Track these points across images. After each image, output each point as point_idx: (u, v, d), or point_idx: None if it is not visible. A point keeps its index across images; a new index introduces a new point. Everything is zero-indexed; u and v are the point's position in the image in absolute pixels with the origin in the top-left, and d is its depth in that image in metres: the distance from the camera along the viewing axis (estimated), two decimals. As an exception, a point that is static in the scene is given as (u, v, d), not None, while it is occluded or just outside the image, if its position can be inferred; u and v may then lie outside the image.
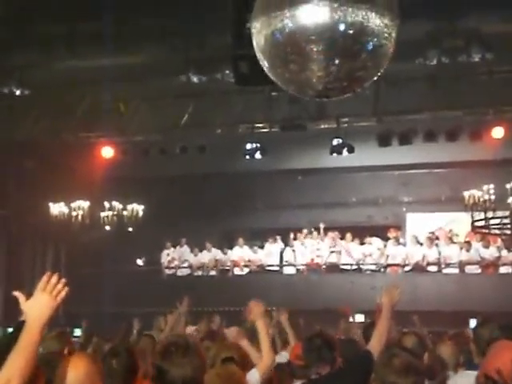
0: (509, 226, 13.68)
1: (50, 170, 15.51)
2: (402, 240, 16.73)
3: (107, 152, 15.02)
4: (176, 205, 17.01)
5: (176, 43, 11.51)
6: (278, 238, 17.42)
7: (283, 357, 6.21)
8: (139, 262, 18.43)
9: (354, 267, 16.71)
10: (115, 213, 15.63)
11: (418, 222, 17.56)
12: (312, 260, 16.82)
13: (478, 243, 15.86)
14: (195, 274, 17.74)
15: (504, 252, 15.68)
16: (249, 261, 17.34)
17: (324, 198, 17.43)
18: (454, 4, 10.14)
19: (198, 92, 13.18)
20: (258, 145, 14.27)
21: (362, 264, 16.60)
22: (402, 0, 3.75)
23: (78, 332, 14.34)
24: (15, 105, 13.22)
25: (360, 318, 12.56)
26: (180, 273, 17.85)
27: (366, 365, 3.84)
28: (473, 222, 13.59)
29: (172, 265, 17.82)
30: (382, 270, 16.48)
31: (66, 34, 11.25)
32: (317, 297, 15.30)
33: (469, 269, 15.95)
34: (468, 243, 15.97)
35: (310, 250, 16.92)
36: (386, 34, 3.53)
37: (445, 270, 16.07)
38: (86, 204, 15.38)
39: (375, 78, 3.89)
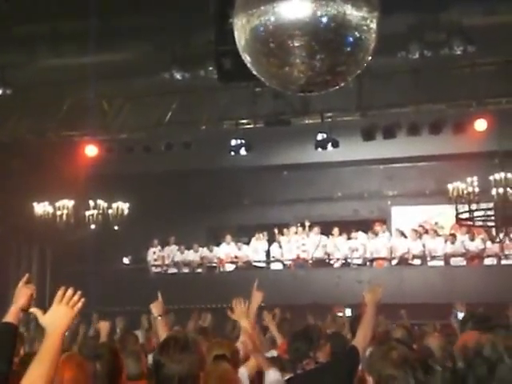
0: (493, 217, 13.80)
1: (33, 169, 15.40)
2: (387, 233, 16.81)
3: (91, 150, 14.95)
4: (162, 202, 16.99)
5: (159, 40, 11.49)
6: (264, 234, 17.46)
7: (273, 355, 6.22)
8: (125, 260, 18.38)
9: (341, 262, 16.80)
10: (100, 211, 15.55)
11: (403, 216, 17.66)
12: (298, 255, 16.87)
13: (462, 235, 15.99)
14: (182, 271, 17.73)
15: (489, 244, 15.80)
16: (235, 257, 17.36)
17: (309, 193, 17.47)
18: (436, -3, 10.21)
19: (181, 89, 13.15)
20: (243, 141, 14.28)
21: (349, 258, 16.68)
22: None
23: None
24: (-2, 104, 13.13)
25: (347, 311, 12.66)
26: (167, 271, 17.84)
27: (351, 360, 3.89)
28: (457, 214, 13.69)
29: (159, 263, 17.80)
30: (368, 263, 16.57)
31: (49, 32, 11.18)
32: (304, 292, 15.35)
33: (454, 261, 16.07)
34: (453, 235, 16.09)
35: (296, 245, 16.97)
36: (364, 27, 3.54)
37: (430, 263, 16.18)
38: (70, 203, 15.28)
39: (358, 72, 3.90)
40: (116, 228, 15.76)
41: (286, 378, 4.20)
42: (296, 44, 3.52)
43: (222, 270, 17.44)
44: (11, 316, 3.28)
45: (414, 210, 17.46)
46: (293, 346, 4.38)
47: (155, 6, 10.32)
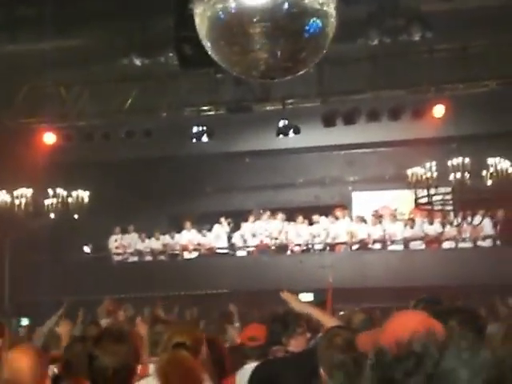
0: (451, 201, 14.07)
1: (-10, 157, 15.10)
2: (347, 218, 16.97)
3: (49, 138, 14.73)
4: (122, 190, 16.82)
5: (118, 26, 11.33)
6: (227, 220, 17.45)
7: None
8: (86, 249, 18.18)
9: (303, 247, 16.92)
10: (60, 200, 15.34)
11: (364, 201, 17.86)
12: (261, 241, 16.93)
13: (421, 219, 16.24)
14: (144, 259, 17.62)
15: (447, 227, 16.09)
16: (198, 244, 17.33)
17: (272, 179, 17.52)
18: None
19: (141, 75, 13.02)
20: (205, 128, 14.21)
21: (310, 244, 16.81)
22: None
23: (25, 321, 14.13)
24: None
25: (309, 296, 12.77)
26: (129, 259, 17.71)
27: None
28: (416, 199, 13.91)
29: (120, 251, 17.65)
30: (329, 248, 16.71)
31: (5, 18, 10.94)
32: (268, 277, 15.41)
33: (413, 245, 16.34)
34: (411, 220, 16.33)
35: (258, 231, 17.02)
36: (324, 13, 3.56)
37: (390, 247, 16.41)
38: (29, 191, 15.04)
39: (318, 59, 3.92)
40: (76, 217, 15.58)
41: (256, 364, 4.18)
42: (256, 30, 3.52)
43: (184, 257, 17.39)
44: None
45: (375, 195, 17.66)
46: (270, 328, 4.39)
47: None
